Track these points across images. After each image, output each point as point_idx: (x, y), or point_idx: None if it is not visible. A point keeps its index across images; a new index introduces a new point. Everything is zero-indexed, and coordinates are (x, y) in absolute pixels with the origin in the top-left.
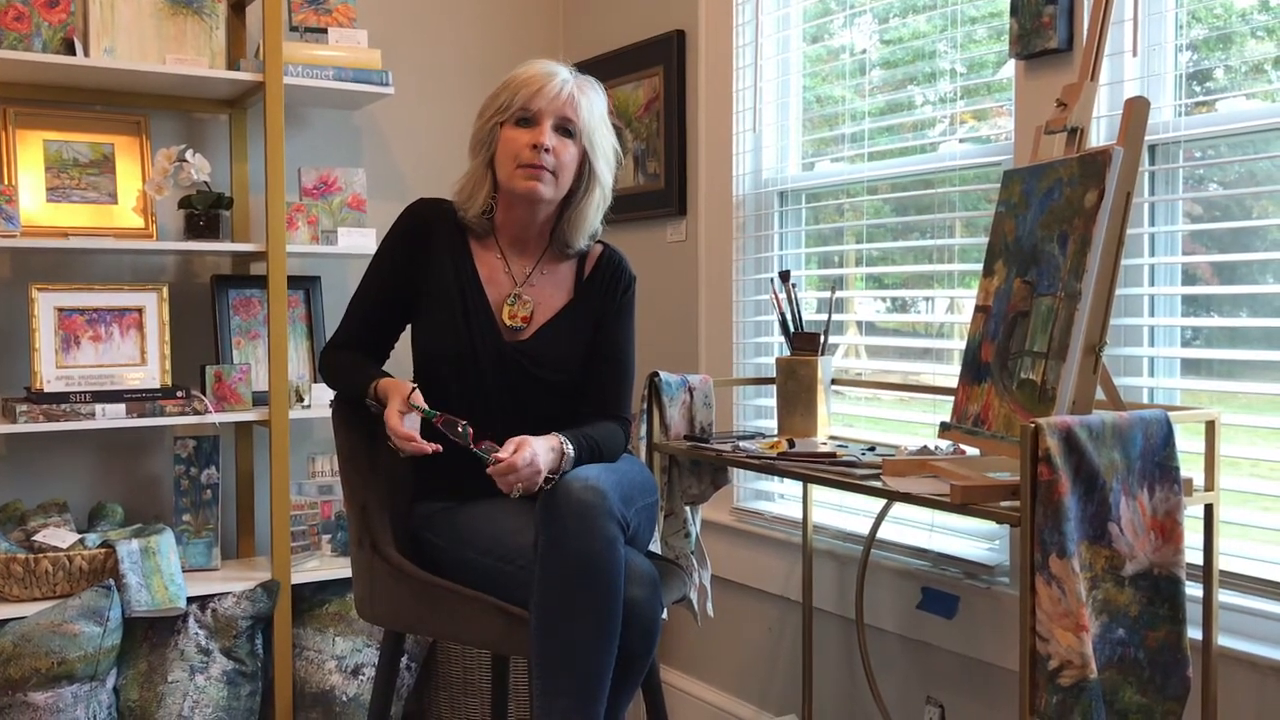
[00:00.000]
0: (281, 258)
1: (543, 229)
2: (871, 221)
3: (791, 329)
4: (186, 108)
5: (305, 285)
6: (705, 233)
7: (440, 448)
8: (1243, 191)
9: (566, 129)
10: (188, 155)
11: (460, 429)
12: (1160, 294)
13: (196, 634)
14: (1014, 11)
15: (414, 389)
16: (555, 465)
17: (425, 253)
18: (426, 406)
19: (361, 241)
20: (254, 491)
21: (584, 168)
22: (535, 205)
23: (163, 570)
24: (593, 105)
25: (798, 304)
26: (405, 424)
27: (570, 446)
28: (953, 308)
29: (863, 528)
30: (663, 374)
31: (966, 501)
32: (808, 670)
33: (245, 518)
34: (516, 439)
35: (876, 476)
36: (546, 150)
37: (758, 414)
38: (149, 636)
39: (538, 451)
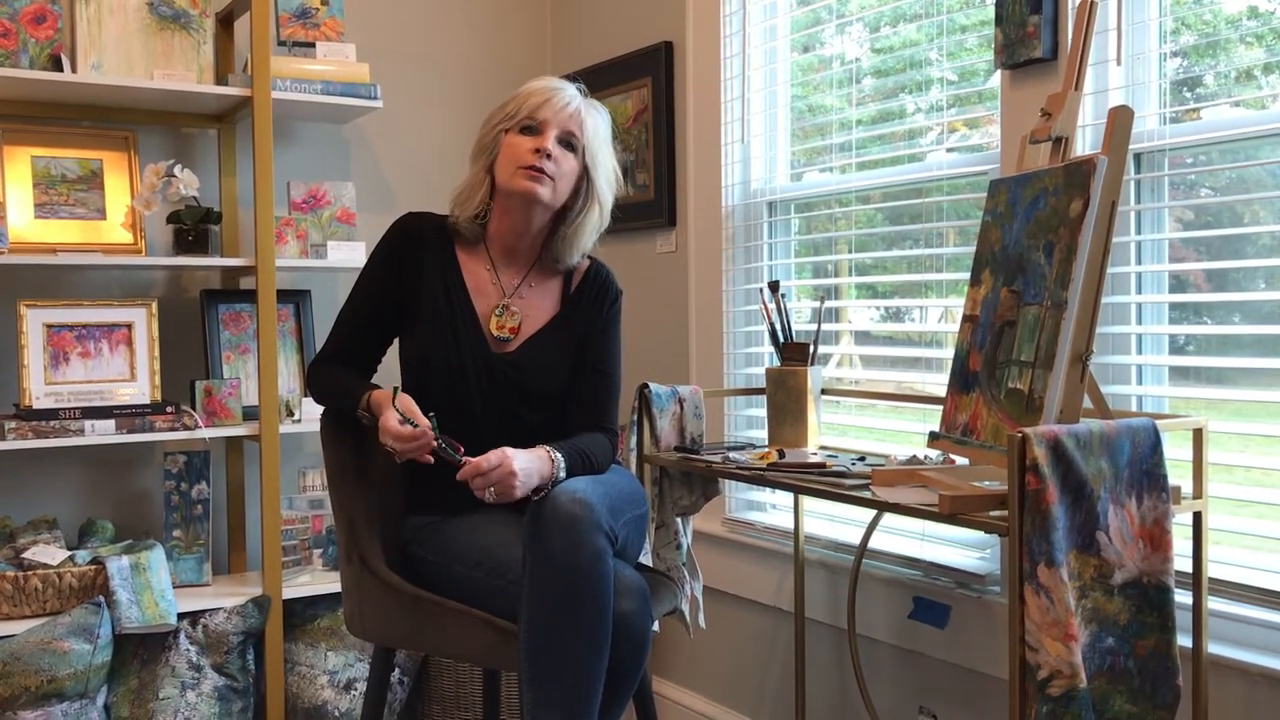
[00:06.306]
0: (271, 272)
1: (535, 240)
2: (862, 231)
3: (781, 339)
4: (175, 123)
5: (295, 299)
6: (695, 243)
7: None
8: (1231, 199)
9: (569, 142)
10: (176, 170)
11: (442, 436)
12: (1147, 302)
13: (188, 650)
14: (999, 21)
15: (396, 392)
16: (546, 477)
17: (414, 265)
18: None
19: (351, 255)
20: (245, 506)
21: (582, 184)
22: (531, 209)
23: (153, 586)
24: (597, 125)
25: (787, 314)
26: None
27: (561, 459)
28: (945, 316)
29: (854, 538)
30: (653, 385)
31: (955, 511)
32: (800, 681)
33: (236, 533)
34: (500, 450)
35: (866, 487)
36: (549, 156)
37: (748, 424)
38: (140, 653)
39: (516, 457)
